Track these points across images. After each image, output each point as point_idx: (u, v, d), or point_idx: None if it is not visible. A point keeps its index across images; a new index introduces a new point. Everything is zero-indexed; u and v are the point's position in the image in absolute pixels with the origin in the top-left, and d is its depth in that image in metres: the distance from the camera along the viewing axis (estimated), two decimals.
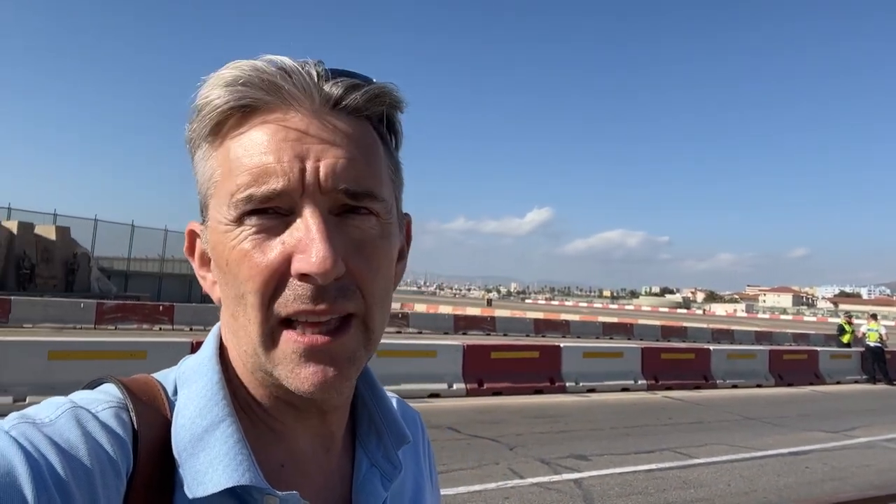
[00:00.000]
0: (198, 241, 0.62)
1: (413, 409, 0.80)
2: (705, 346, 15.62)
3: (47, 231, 27.82)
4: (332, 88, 0.55)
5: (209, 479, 0.52)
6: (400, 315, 26.08)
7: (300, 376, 0.53)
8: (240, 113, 0.54)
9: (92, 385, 0.59)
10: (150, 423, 0.54)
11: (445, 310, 42.24)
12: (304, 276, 0.51)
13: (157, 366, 0.63)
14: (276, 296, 0.52)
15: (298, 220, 0.52)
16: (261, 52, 0.56)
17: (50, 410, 0.51)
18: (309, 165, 0.52)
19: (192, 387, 0.58)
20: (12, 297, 18.52)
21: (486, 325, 26.91)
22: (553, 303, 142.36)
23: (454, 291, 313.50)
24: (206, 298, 35.69)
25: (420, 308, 51.61)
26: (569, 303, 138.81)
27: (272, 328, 0.53)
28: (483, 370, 11.21)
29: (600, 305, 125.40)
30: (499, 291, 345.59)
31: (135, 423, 0.53)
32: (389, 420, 0.68)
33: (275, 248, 0.52)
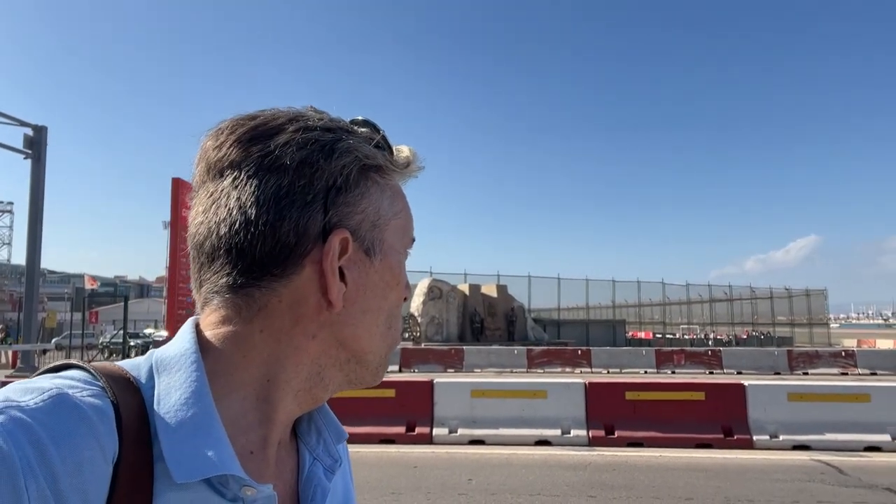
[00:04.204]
0: (346, 248, 0.64)
1: None
2: None
3: (490, 290, 33.03)
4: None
5: (198, 465, 0.54)
6: (844, 353, 21.97)
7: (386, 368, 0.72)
8: (406, 178, 0.73)
9: (56, 369, 0.59)
10: (129, 407, 0.56)
11: None
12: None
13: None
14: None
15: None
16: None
17: (34, 395, 0.50)
18: None
19: (175, 376, 0.59)
20: (465, 347, 22.72)
21: None
22: None
23: None
24: (629, 342, 36.68)
25: (885, 344, 42.46)
26: None
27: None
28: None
29: None
30: None
31: (118, 408, 0.54)
32: (328, 419, 0.75)
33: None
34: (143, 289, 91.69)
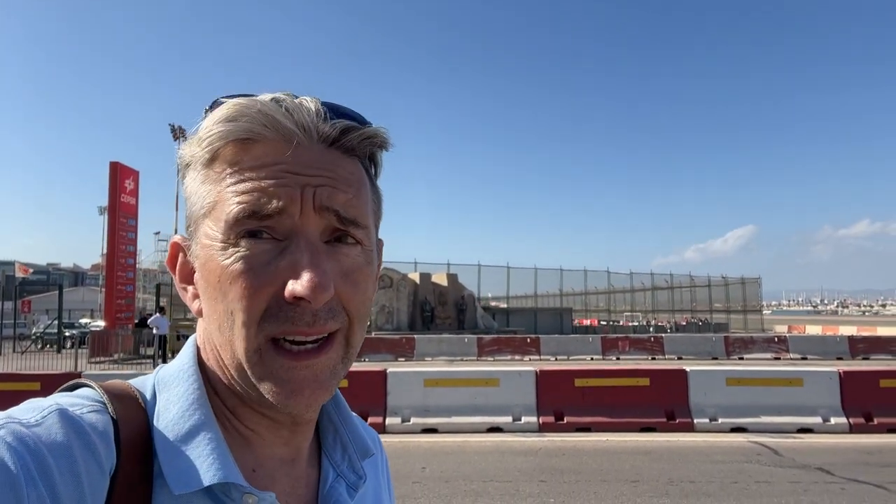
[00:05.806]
0: (181, 254, 0.65)
1: (371, 428, 0.85)
2: None
3: (440, 278, 33.13)
4: (330, 129, 0.60)
5: (193, 476, 0.56)
6: (777, 339, 23.07)
7: (285, 392, 0.56)
8: (240, 144, 0.59)
9: (70, 388, 0.61)
10: (130, 423, 0.57)
11: (848, 331, 35.77)
12: (297, 299, 0.55)
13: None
14: (268, 316, 0.56)
15: (293, 246, 0.57)
16: (267, 87, 0.64)
17: (35, 413, 0.52)
18: (307, 193, 0.57)
19: (174, 391, 0.61)
20: (416, 336, 22.79)
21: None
22: None
23: (863, 309, 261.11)
24: (576, 329, 37.58)
25: (814, 330, 44.74)
26: None
27: (260, 345, 0.56)
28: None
29: None
30: None
31: (117, 424, 0.56)
32: (354, 434, 0.73)
33: (268, 271, 0.56)
34: (77, 277, 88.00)
